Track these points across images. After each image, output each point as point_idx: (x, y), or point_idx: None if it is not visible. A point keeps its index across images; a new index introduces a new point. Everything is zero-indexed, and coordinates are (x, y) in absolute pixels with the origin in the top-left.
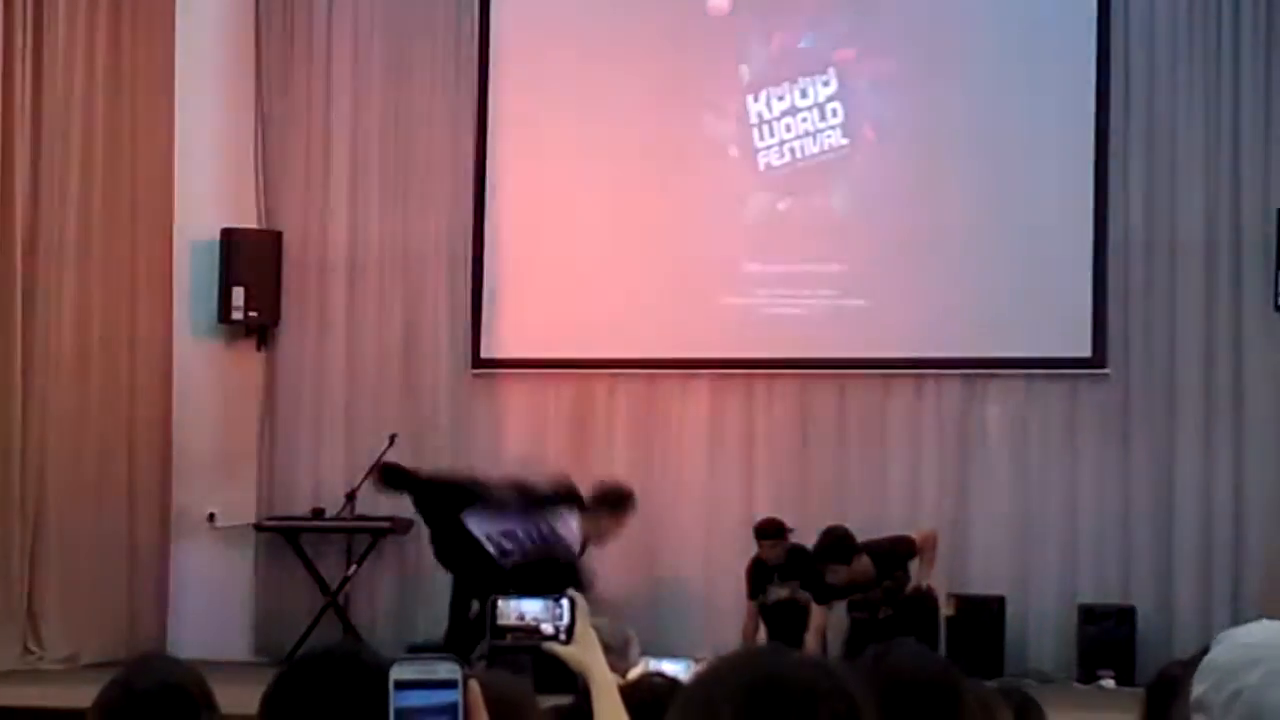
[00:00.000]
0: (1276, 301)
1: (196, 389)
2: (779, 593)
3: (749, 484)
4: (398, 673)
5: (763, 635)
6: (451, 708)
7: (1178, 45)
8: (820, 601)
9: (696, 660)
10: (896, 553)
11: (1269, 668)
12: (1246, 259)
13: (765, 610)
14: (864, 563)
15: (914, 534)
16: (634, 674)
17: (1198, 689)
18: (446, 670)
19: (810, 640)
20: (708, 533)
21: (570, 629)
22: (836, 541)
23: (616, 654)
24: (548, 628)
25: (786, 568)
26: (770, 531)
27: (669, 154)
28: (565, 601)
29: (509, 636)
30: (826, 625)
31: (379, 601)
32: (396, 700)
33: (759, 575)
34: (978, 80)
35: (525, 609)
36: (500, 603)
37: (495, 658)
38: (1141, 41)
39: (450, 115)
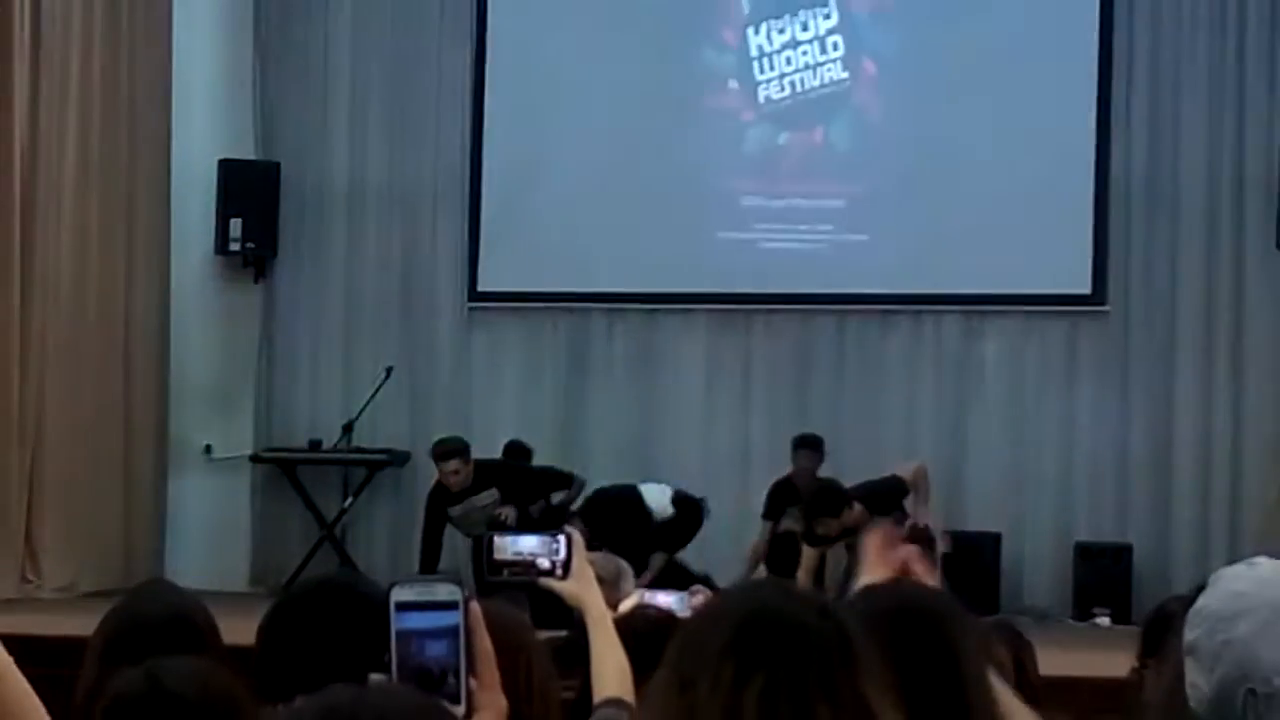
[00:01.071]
0: (1278, 241)
1: (194, 320)
2: (788, 523)
3: (746, 419)
4: (398, 594)
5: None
6: (452, 629)
7: None
8: (812, 545)
9: (691, 593)
10: (889, 493)
11: (1258, 618)
12: (1248, 197)
13: (774, 537)
14: (856, 512)
15: (902, 471)
16: (626, 605)
17: (1189, 634)
18: (447, 592)
19: (801, 578)
20: (704, 466)
21: (567, 564)
22: (824, 494)
23: (610, 586)
24: (544, 563)
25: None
26: (812, 442)
27: (669, 87)
28: (562, 537)
29: (505, 572)
30: (820, 567)
31: (375, 533)
32: (397, 622)
33: (781, 497)
34: (979, 15)
35: (522, 545)
36: (496, 538)
37: (491, 593)
38: None
39: (449, 43)
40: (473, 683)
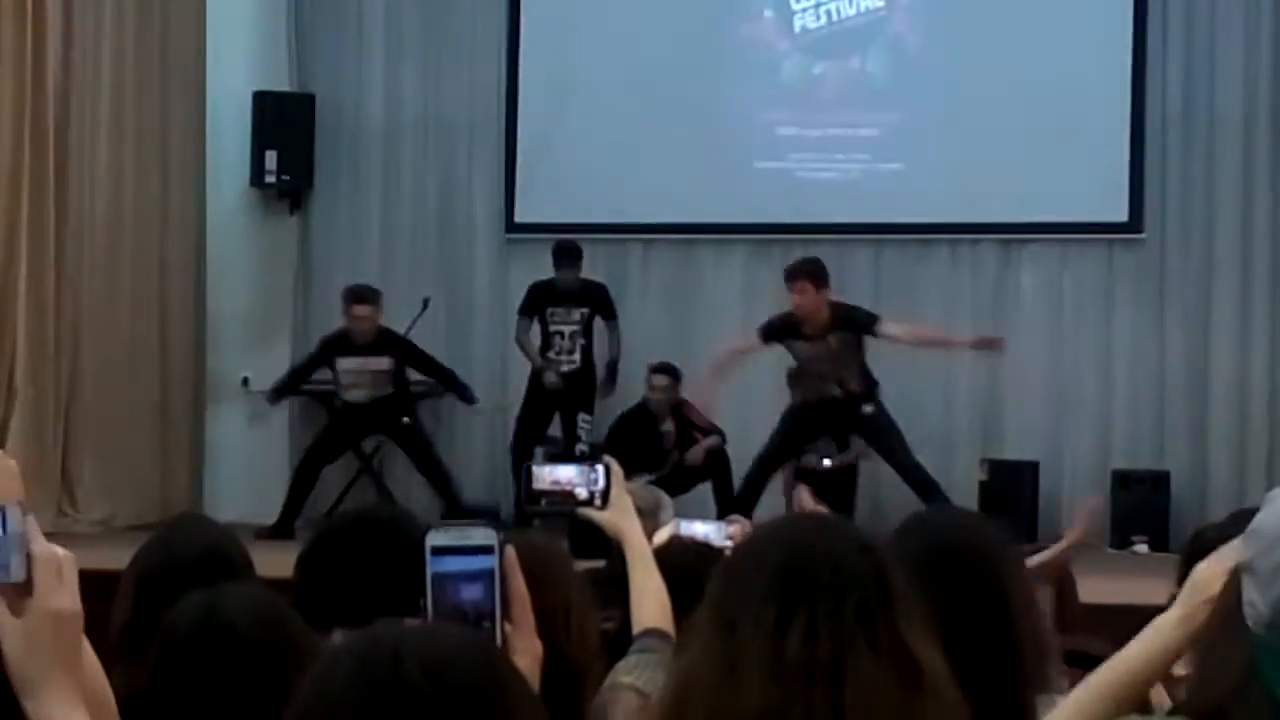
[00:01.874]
0: None
1: (230, 253)
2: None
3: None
4: (434, 539)
5: None
6: (488, 573)
7: None
8: None
9: (728, 521)
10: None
11: None
12: None
13: None
14: None
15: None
16: (662, 535)
17: (1246, 552)
18: (483, 536)
19: None
20: (741, 397)
21: (605, 494)
22: None
23: (647, 516)
24: (582, 492)
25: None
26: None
27: (703, 17)
28: (600, 467)
29: (544, 501)
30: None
31: (413, 467)
32: (433, 566)
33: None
34: None
35: (560, 474)
36: (535, 468)
37: (530, 521)
38: None
39: None
40: (508, 627)
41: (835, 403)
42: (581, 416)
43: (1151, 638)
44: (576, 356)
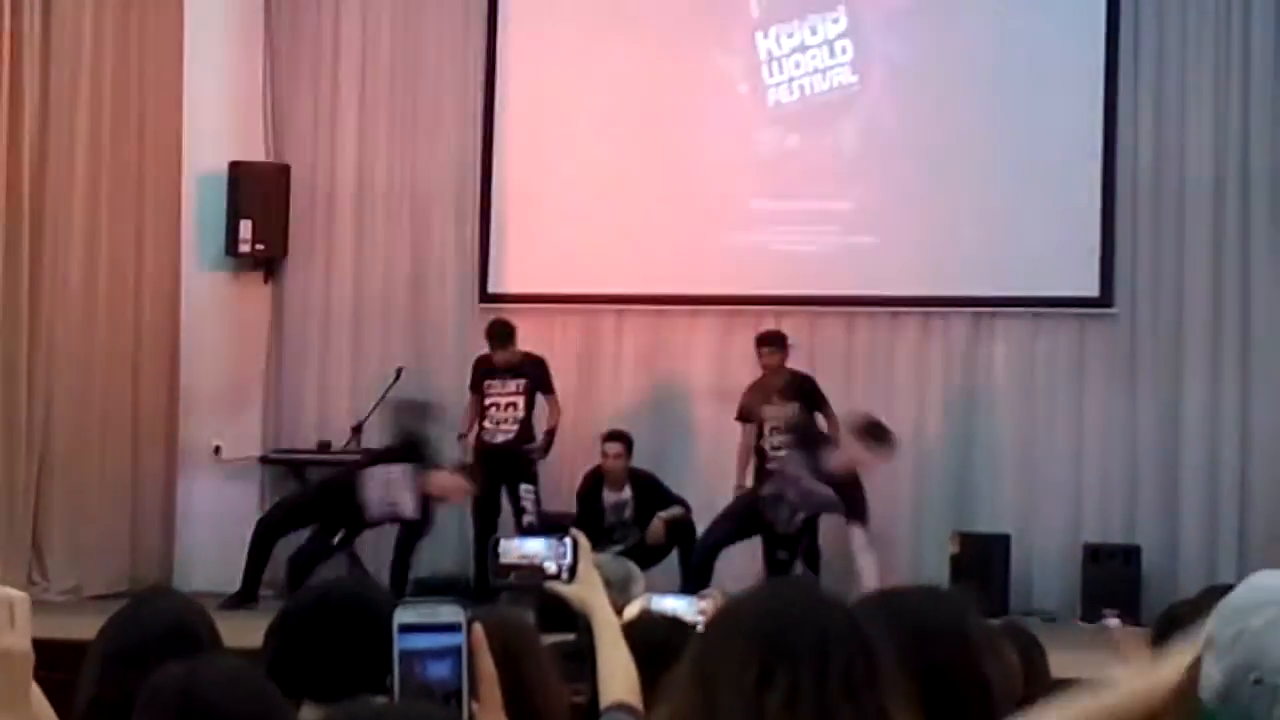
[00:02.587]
0: None
1: (203, 322)
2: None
3: None
4: (401, 616)
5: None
6: (455, 650)
7: None
8: None
9: (700, 596)
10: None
11: (1274, 611)
12: (1255, 198)
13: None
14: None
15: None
16: (632, 609)
17: (1210, 625)
18: (450, 613)
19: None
20: (713, 470)
21: (573, 568)
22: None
23: (617, 589)
24: (550, 566)
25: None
26: (773, 339)
27: (678, 90)
28: (569, 540)
29: (511, 575)
30: None
31: (384, 536)
32: (400, 643)
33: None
34: (986, 19)
35: (528, 548)
36: (503, 542)
37: (498, 595)
38: None
39: (459, 47)
40: (475, 705)
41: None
42: (523, 488)
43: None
44: (513, 428)
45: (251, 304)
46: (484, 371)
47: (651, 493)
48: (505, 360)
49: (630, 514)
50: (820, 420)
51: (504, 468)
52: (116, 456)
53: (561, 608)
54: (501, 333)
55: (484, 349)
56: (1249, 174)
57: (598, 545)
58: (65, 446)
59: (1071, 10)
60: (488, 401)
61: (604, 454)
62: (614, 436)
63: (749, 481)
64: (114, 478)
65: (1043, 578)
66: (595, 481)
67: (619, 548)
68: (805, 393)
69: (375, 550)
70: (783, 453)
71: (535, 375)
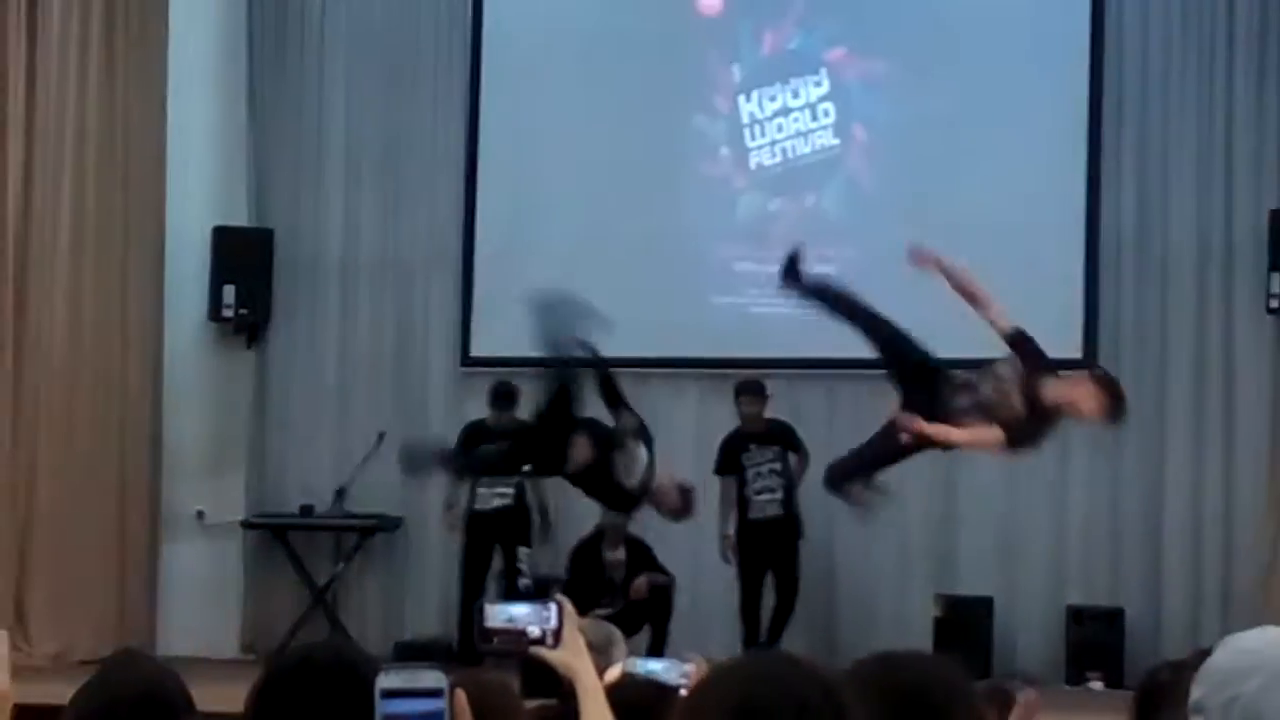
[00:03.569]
0: (1268, 304)
1: (186, 386)
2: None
3: None
4: (384, 682)
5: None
6: (438, 716)
7: (1171, 47)
8: None
9: (684, 660)
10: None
11: (1267, 675)
12: (1238, 262)
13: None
14: None
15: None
16: (613, 672)
17: (1197, 692)
18: (433, 679)
19: None
20: (694, 530)
21: (558, 633)
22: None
23: (599, 652)
24: (535, 631)
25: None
26: (753, 387)
27: (660, 154)
28: (553, 605)
29: (495, 640)
30: None
31: (367, 599)
32: (383, 708)
33: (732, 448)
34: (969, 81)
35: (512, 613)
36: (487, 606)
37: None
38: (1135, 42)
39: (442, 112)
40: None
41: None
42: (521, 550)
43: None
44: (510, 491)
45: (235, 368)
46: (478, 436)
47: (642, 557)
48: (502, 425)
49: (620, 576)
50: (794, 461)
51: (500, 532)
52: (100, 520)
53: (546, 672)
54: (501, 394)
55: (467, 410)
56: (1232, 237)
57: (592, 601)
58: (49, 510)
59: (1054, 74)
60: None
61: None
62: None
63: (731, 530)
64: (97, 541)
65: (1026, 640)
66: (594, 537)
67: (604, 611)
68: (784, 437)
69: (359, 609)
70: (764, 497)
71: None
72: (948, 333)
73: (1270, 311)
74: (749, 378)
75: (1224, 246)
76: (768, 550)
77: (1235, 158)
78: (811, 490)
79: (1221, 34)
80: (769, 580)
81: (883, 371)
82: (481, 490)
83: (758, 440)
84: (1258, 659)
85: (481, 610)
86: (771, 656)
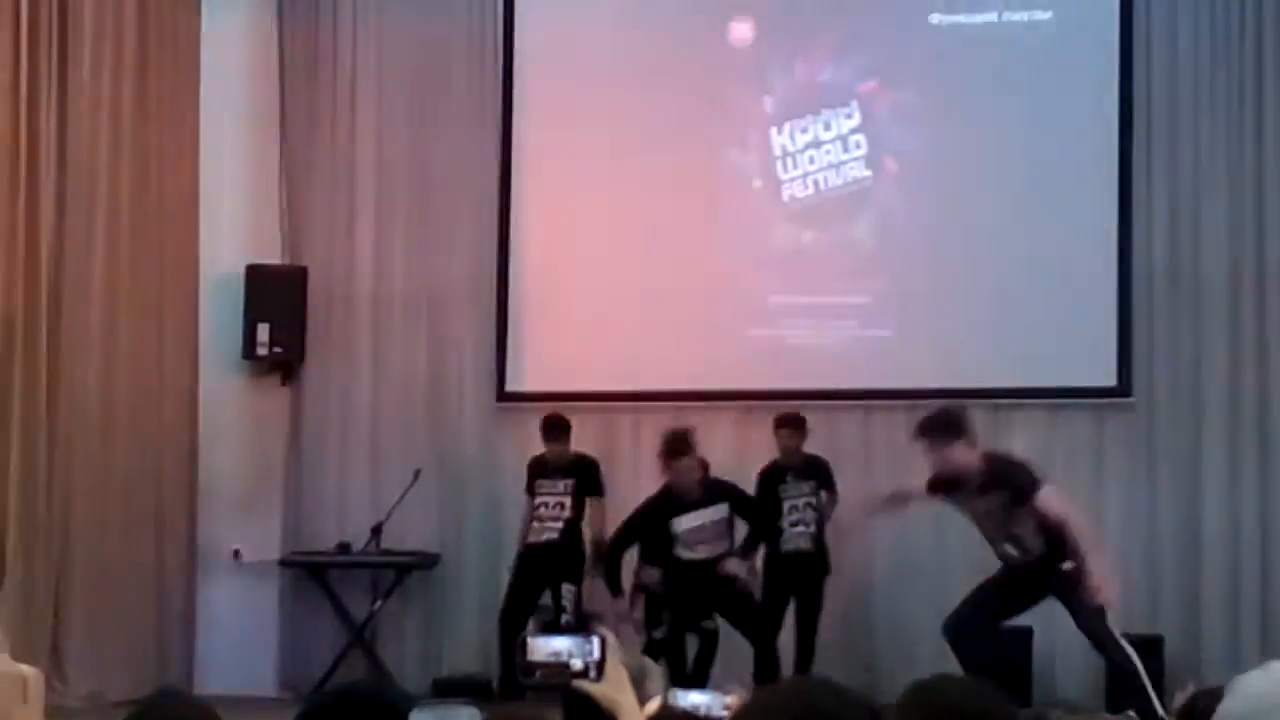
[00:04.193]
0: None
1: (222, 425)
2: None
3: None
4: (418, 717)
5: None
6: None
7: (1200, 75)
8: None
9: (725, 692)
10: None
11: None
12: (1270, 287)
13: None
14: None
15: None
16: (651, 706)
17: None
18: (466, 715)
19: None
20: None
21: (600, 665)
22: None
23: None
24: (577, 664)
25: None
26: (792, 420)
27: (693, 187)
28: (595, 639)
29: (538, 673)
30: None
31: (405, 637)
32: None
33: (770, 480)
34: (1000, 111)
35: (555, 645)
36: (530, 639)
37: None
38: (1164, 71)
39: (474, 148)
40: None
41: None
42: (565, 587)
43: None
44: (558, 526)
45: (270, 406)
46: (536, 469)
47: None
48: (556, 458)
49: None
50: (825, 497)
51: (548, 567)
52: (137, 559)
53: (589, 705)
54: (557, 425)
55: (502, 446)
56: (1264, 262)
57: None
58: (86, 550)
59: (1084, 103)
60: (537, 499)
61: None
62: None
63: (760, 561)
64: (134, 581)
65: (1065, 669)
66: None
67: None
68: (820, 473)
69: (397, 646)
70: (798, 530)
71: (586, 475)
72: (977, 361)
73: None
74: (789, 410)
75: (1256, 274)
76: (795, 582)
77: (1266, 184)
78: (845, 520)
79: (1250, 59)
80: (791, 612)
81: (920, 401)
82: (533, 524)
83: (795, 473)
84: (1271, 700)
85: (524, 643)
86: (813, 683)
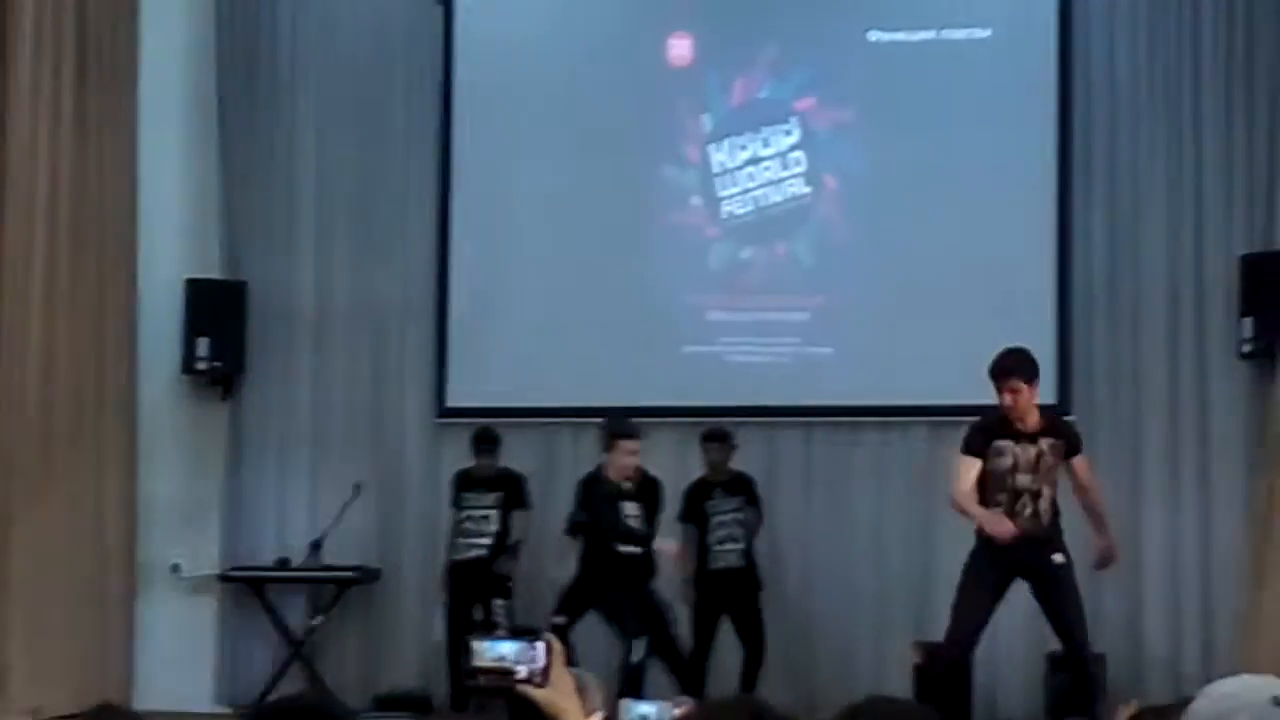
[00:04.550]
0: (1240, 349)
1: (161, 439)
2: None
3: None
4: None
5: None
6: None
7: (1139, 94)
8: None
9: (675, 704)
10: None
11: (1253, 714)
12: (1209, 303)
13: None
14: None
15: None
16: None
17: None
18: None
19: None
20: (669, 582)
21: (545, 672)
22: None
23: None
24: (521, 670)
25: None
26: (719, 435)
27: (632, 204)
28: (540, 644)
29: (482, 678)
30: None
31: (345, 652)
32: None
33: (697, 496)
34: (939, 128)
35: (500, 650)
36: (475, 644)
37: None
38: (1103, 90)
39: (414, 164)
40: None
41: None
42: (495, 603)
43: None
44: (484, 542)
45: (209, 421)
46: (462, 483)
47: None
48: (483, 472)
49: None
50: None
51: (477, 583)
52: (77, 575)
53: (533, 712)
54: (486, 438)
55: (443, 461)
56: (1203, 279)
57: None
58: (24, 565)
59: (1023, 121)
60: (463, 512)
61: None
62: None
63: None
64: (73, 596)
65: (1006, 687)
66: None
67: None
68: (747, 488)
69: (336, 662)
70: (725, 547)
71: (513, 490)
72: (917, 378)
73: (1242, 356)
74: (716, 426)
75: (1195, 292)
76: (725, 599)
77: (1205, 203)
78: (786, 537)
79: (1189, 78)
80: (729, 630)
81: (861, 418)
82: (459, 540)
83: (722, 488)
84: (1240, 700)
85: (469, 648)
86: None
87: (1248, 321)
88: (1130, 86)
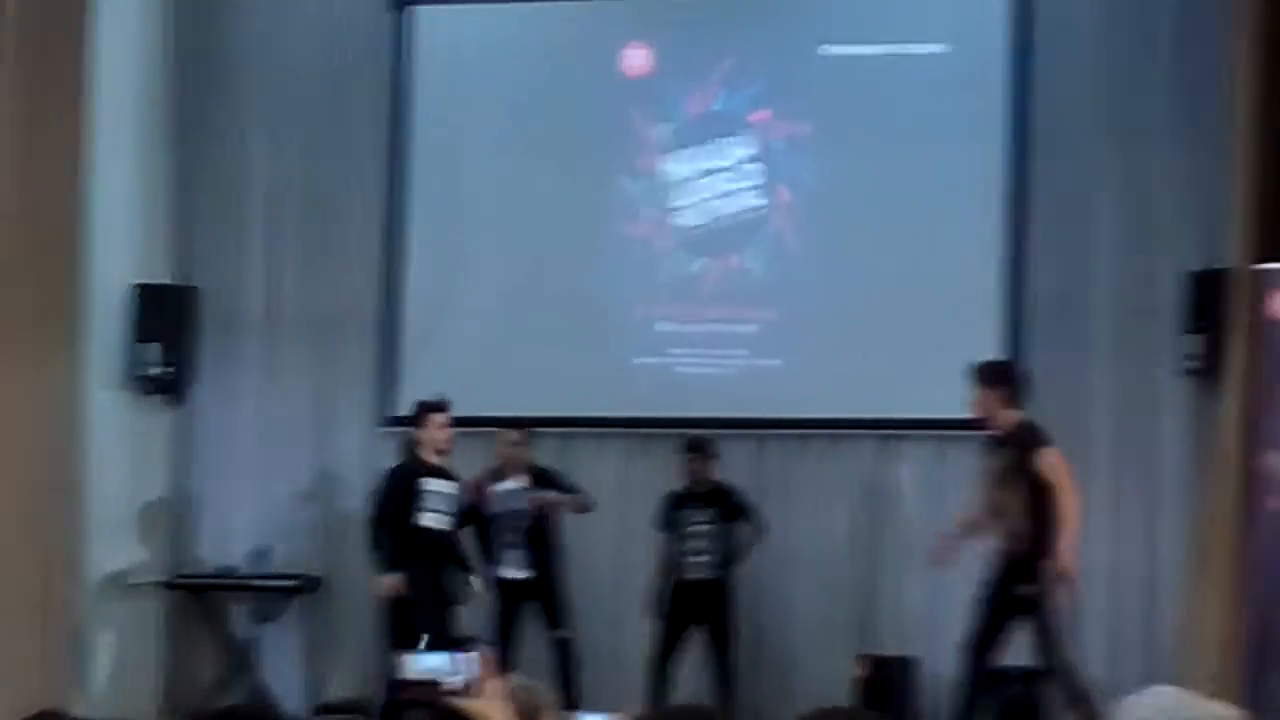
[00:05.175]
0: (1185, 365)
1: (107, 445)
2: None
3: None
4: None
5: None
6: None
7: (1091, 109)
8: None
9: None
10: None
11: None
12: (1159, 318)
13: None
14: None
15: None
16: None
17: None
18: None
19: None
20: (616, 593)
21: (477, 683)
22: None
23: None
24: (453, 681)
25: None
26: (697, 445)
27: (584, 214)
28: (473, 656)
29: (413, 690)
30: None
31: (289, 660)
32: None
33: (674, 505)
34: (892, 142)
35: (430, 663)
36: (405, 657)
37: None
38: (1055, 105)
39: (366, 171)
40: None
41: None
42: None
43: None
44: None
45: (156, 427)
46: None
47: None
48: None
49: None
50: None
51: None
52: (19, 581)
53: None
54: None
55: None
56: (1153, 293)
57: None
58: None
59: (975, 136)
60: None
61: None
62: None
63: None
64: (16, 603)
65: (952, 701)
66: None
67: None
68: (725, 500)
69: (280, 670)
70: (698, 559)
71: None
72: (867, 392)
73: (1188, 373)
74: (697, 436)
75: (1143, 308)
76: (697, 610)
77: (1154, 219)
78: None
79: (1141, 94)
80: (698, 640)
81: (810, 430)
82: None
83: (699, 500)
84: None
85: (399, 660)
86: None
87: (1190, 338)
88: (1081, 103)
